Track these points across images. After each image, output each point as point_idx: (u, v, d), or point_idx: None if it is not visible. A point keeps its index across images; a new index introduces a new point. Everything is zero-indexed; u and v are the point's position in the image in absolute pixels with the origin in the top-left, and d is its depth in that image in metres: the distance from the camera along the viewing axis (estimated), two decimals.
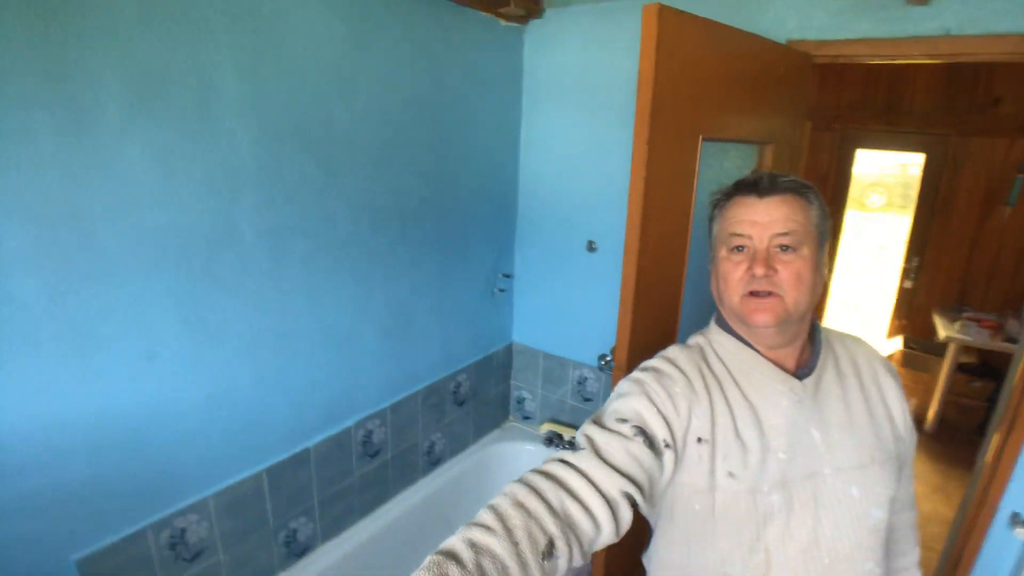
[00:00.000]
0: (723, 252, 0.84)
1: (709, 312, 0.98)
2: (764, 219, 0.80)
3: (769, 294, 0.79)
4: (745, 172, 1.75)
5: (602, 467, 0.72)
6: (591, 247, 2.30)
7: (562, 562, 0.65)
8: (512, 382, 2.68)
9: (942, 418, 3.53)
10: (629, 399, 0.81)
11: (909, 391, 3.70)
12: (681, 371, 0.85)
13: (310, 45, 1.53)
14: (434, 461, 2.35)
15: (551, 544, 0.64)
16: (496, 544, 0.61)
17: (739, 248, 0.82)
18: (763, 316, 0.79)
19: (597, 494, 0.69)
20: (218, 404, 1.48)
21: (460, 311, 2.30)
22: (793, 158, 1.86)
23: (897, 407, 0.90)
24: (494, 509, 0.65)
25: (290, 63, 1.49)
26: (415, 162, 1.93)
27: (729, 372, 0.86)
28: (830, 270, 0.89)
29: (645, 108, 1.34)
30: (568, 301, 2.41)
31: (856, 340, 0.96)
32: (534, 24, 2.25)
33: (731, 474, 0.80)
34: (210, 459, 1.49)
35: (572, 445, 0.78)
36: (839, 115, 3.88)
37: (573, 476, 0.71)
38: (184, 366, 1.39)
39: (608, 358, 2.31)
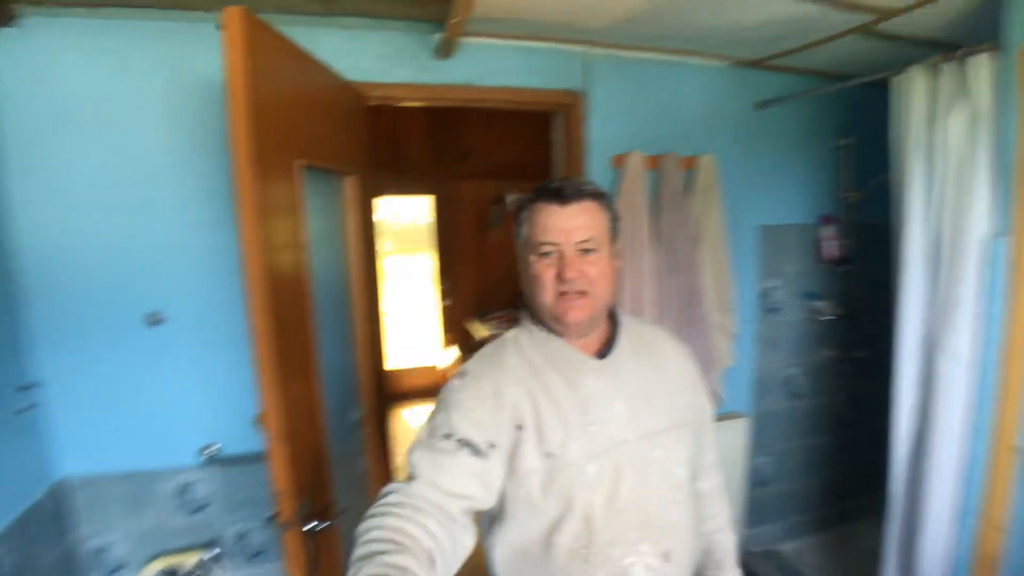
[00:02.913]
0: (533, 257, 0.93)
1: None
2: (568, 226, 0.90)
3: (581, 294, 0.90)
4: (331, 202, 1.75)
5: (436, 492, 0.80)
6: (154, 320, 1.82)
7: None
8: (78, 532, 1.85)
9: None
10: (448, 413, 0.88)
11: None
12: (493, 366, 0.94)
13: None
14: None
15: (431, 560, 0.73)
16: (410, 561, 0.70)
17: (548, 253, 0.91)
18: (576, 314, 0.91)
19: (439, 518, 0.78)
20: None
21: None
22: (366, 188, 1.94)
23: (688, 378, 1.06)
24: (376, 540, 0.72)
25: None
26: None
27: (542, 359, 0.95)
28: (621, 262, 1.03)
29: (241, 125, 1.15)
30: (136, 396, 1.83)
31: (647, 323, 1.13)
32: (6, 34, 1.64)
33: (550, 454, 0.88)
34: None
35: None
36: None
37: (414, 504, 0.77)
38: None
39: (213, 447, 1.89)
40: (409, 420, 4.54)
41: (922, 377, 1.68)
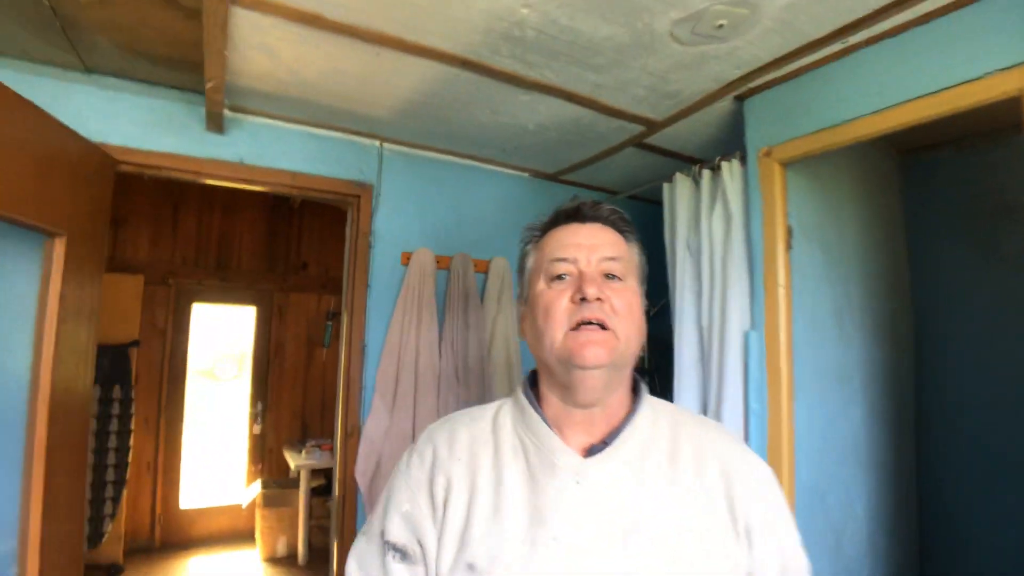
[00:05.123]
0: (540, 285, 0.69)
1: None
2: (589, 241, 0.69)
3: (602, 327, 0.64)
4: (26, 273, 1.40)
5: None
6: None
7: None
8: None
9: (310, 545, 3.68)
10: (387, 501, 0.71)
11: (275, 530, 3.70)
12: (445, 436, 0.72)
13: None
14: None
15: None
16: None
17: (561, 277, 0.68)
18: (596, 350, 0.62)
19: None
20: None
21: None
22: (92, 259, 1.62)
23: (761, 529, 0.65)
24: None
25: None
26: None
27: (512, 439, 0.70)
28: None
29: None
30: None
31: (718, 428, 0.74)
32: None
33: (472, 566, 0.62)
34: None
35: None
36: (173, 270, 3.88)
37: None
38: None
39: None
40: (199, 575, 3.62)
41: None
